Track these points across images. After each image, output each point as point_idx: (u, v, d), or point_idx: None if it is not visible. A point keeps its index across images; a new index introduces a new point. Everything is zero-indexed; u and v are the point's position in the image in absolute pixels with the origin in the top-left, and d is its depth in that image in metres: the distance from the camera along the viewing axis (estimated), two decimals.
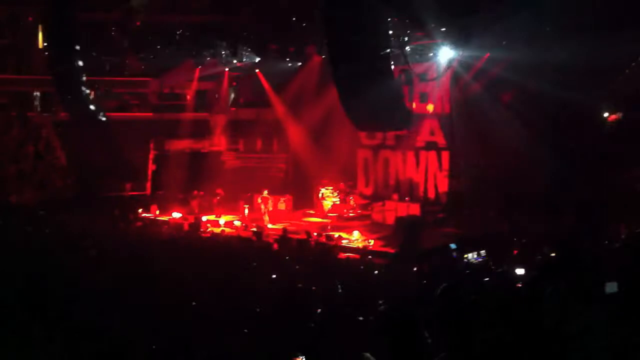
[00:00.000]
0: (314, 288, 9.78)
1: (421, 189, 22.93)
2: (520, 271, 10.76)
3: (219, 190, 24.11)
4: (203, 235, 18.05)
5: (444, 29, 17.87)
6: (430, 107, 22.01)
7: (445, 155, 22.43)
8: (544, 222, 17.13)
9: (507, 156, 20.25)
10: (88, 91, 22.88)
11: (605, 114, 18.96)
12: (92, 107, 23.04)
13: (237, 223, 21.34)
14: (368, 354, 4.32)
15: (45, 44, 24.28)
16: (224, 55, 24.05)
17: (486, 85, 19.92)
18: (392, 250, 17.17)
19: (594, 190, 17.37)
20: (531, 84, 18.47)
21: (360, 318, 7.08)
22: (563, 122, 18.54)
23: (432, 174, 22.73)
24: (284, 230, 18.56)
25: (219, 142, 27.69)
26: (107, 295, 8.19)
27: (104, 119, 23.27)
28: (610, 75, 17.99)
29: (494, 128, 20.16)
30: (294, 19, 20.80)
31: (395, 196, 21.94)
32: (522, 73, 18.37)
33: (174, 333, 6.66)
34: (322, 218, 22.72)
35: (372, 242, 18.19)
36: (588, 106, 18.21)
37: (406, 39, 19.10)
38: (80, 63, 21.68)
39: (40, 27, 25.46)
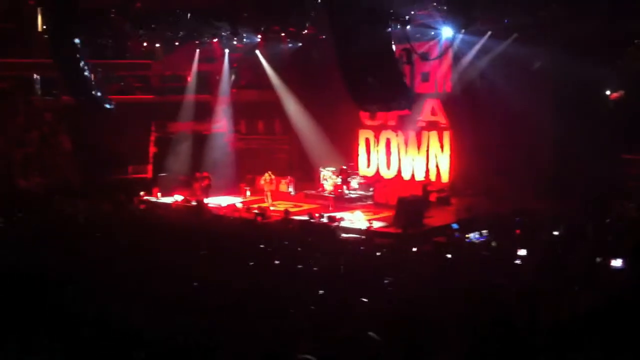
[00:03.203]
0: (315, 269, 9.86)
1: (424, 168, 22.91)
2: (522, 252, 10.82)
3: (205, 174, 23.90)
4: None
5: (445, 7, 17.72)
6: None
7: (447, 135, 22.36)
8: (548, 202, 17.13)
9: (510, 135, 20.18)
10: (91, 75, 22.69)
11: (608, 92, 18.84)
12: (94, 90, 22.88)
13: (239, 205, 21.36)
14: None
15: (45, 27, 24.09)
16: (224, 37, 23.88)
17: (489, 64, 19.79)
18: (394, 231, 17.19)
19: (600, 169, 17.33)
20: (535, 60, 18.34)
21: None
22: (568, 100, 18.44)
23: (434, 154, 22.67)
24: (286, 211, 18.59)
25: (221, 124, 27.60)
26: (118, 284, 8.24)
27: (109, 105, 23.06)
28: (615, 51, 17.85)
29: (497, 107, 20.09)
30: None
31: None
32: (525, 50, 18.25)
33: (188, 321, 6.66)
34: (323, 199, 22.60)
35: (374, 222, 18.18)
36: (592, 83, 18.10)
37: (407, 17, 18.91)
38: (80, 46, 21.49)
39: (40, 10, 25.24)
